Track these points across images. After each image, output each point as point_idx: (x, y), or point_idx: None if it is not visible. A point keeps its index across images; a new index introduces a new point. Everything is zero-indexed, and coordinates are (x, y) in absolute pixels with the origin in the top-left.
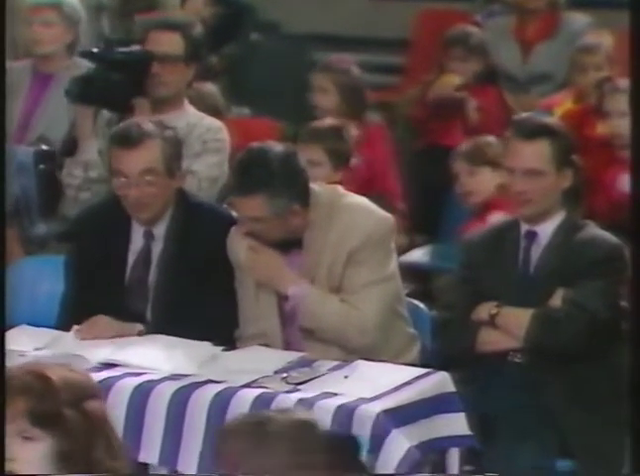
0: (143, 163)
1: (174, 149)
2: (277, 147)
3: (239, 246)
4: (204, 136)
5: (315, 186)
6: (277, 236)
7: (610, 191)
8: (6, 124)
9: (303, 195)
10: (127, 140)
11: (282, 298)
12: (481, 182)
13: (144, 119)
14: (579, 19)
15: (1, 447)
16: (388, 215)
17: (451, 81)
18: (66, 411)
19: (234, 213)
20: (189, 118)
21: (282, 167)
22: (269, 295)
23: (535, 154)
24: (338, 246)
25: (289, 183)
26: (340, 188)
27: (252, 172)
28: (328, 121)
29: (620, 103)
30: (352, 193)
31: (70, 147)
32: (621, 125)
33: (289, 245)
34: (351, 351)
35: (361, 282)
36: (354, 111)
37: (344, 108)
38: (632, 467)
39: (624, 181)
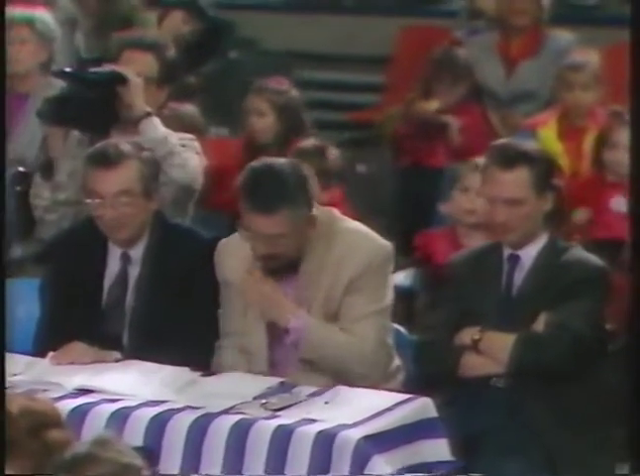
0: (119, 183)
1: (151, 170)
2: (281, 161)
3: (228, 261)
4: (182, 141)
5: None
6: (293, 253)
7: (604, 213)
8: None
9: (313, 203)
10: (104, 160)
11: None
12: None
13: (121, 140)
14: (563, 36)
15: (1, 448)
16: (387, 242)
17: (431, 107)
18: (25, 440)
19: (245, 234)
20: (162, 131)
21: (296, 178)
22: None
23: (514, 182)
24: (338, 270)
25: (305, 193)
26: (336, 212)
27: (270, 188)
28: (312, 141)
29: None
30: (347, 218)
31: (44, 168)
32: (625, 159)
33: (284, 268)
34: (351, 381)
35: (360, 311)
36: (291, 132)
37: (280, 130)
38: (632, 467)
39: (619, 202)
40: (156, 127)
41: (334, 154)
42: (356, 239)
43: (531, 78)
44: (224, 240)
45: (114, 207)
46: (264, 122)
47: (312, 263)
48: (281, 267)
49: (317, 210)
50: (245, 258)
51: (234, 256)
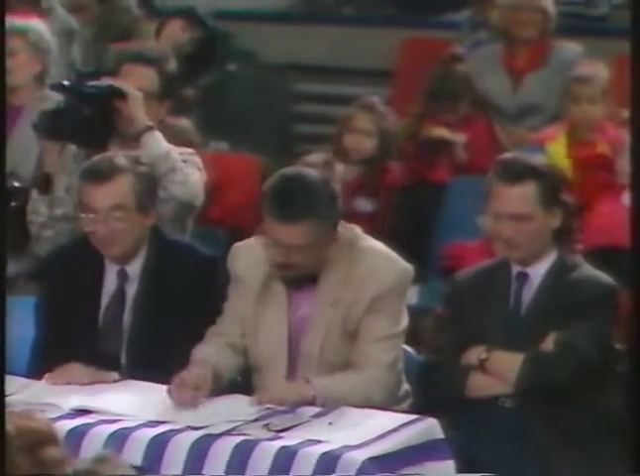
0: (112, 198)
1: (147, 185)
2: (312, 172)
3: (243, 258)
4: (183, 156)
5: None
6: (310, 265)
7: (614, 211)
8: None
9: (339, 221)
10: (97, 174)
11: (292, 327)
12: None
13: (117, 153)
14: (570, 48)
15: (1, 446)
16: (409, 265)
17: (439, 133)
18: (19, 458)
19: (263, 240)
20: (164, 146)
21: (324, 192)
22: (279, 321)
23: (521, 198)
24: (360, 289)
25: (332, 208)
26: (358, 229)
27: (296, 198)
28: (319, 156)
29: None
30: (369, 236)
31: (42, 183)
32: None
33: (302, 279)
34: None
35: (380, 333)
36: (385, 158)
37: (377, 153)
38: (632, 467)
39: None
40: (158, 142)
41: (339, 169)
42: (380, 259)
43: (537, 91)
44: (239, 243)
45: (107, 222)
46: (364, 142)
47: (332, 278)
48: (299, 277)
49: (341, 227)
50: (260, 258)
51: (250, 254)
